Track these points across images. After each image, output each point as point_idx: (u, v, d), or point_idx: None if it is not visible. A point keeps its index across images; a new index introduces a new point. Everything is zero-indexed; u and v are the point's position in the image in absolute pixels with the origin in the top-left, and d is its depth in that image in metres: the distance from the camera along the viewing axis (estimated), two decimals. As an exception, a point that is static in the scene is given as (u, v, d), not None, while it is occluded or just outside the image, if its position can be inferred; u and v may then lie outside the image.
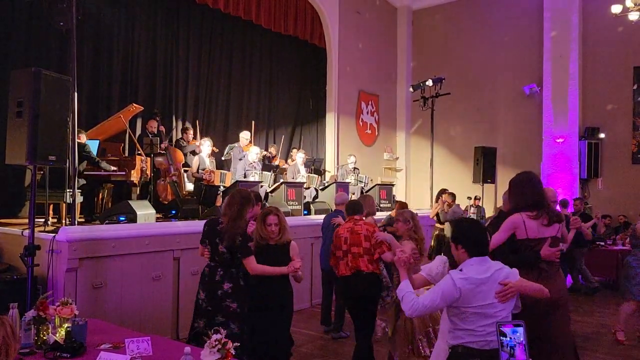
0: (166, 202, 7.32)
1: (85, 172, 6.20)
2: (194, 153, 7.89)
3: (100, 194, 6.80)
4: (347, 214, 4.44)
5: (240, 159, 7.92)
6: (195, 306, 3.58)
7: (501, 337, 2.20)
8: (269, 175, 8.17)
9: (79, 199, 5.68)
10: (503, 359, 2.17)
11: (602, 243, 8.69)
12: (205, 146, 7.72)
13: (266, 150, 9.55)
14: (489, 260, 2.51)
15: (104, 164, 6.23)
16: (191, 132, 8.55)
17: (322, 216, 6.15)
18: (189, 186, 7.81)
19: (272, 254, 3.64)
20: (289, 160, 10.17)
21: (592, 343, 5.43)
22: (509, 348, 2.18)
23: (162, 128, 8.04)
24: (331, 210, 5.96)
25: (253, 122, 9.27)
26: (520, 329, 2.21)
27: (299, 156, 9.11)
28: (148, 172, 6.81)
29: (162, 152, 7.47)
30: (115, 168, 6.41)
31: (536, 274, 3.10)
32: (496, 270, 2.48)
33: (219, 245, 3.48)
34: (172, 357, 2.42)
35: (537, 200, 3.24)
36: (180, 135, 8.81)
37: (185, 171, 7.98)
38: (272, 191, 7.98)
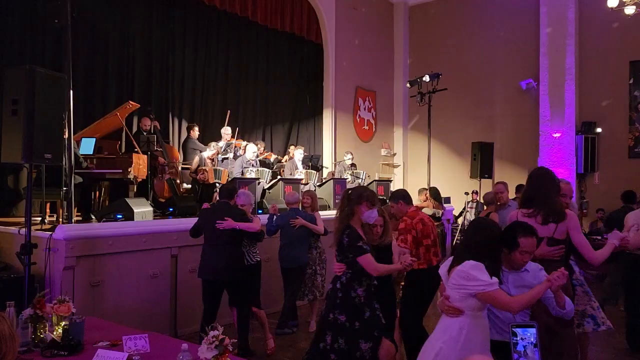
0: (163, 200, 7.32)
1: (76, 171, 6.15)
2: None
3: (98, 192, 6.78)
4: (407, 202, 4.34)
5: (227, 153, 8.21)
6: None
7: (513, 338, 2.19)
8: (266, 172, 8.17)
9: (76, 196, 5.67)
10: None
11: (599, 237, 8.75)
12: (208, 150, 7.82)
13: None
14: None
15: (84, 164, 6.12)
16: (197, 129, 8.61)
17: (320, 213, 6.14)
18: (187, 184, 7.84)
19: (374, 256, 3.40)
20: (286, 157, 10.16)
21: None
22: (520, 349, 2.17)
23: (157, 124, 8.03)
24: (288, 209, 5.88)
25: (228, 111, 9.05)
26: (532, 330, 2.19)
27: (297, 152, 9.11)
28: (145, 169, 6.80)
29: (159, 149, 7.46)
30: (87, 164, 6.19)
31: None
32: None
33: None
34: (170, 354, 2.42)
35: (531, 197, 3.15)
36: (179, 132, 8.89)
37: (186, 169, 8.00)
38: (269, 188, 7.98)
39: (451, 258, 2.72)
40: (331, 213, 7.60)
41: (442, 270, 2.73)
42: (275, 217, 5.53)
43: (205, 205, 5.17)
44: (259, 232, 4.76)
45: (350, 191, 3.47)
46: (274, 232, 5.52)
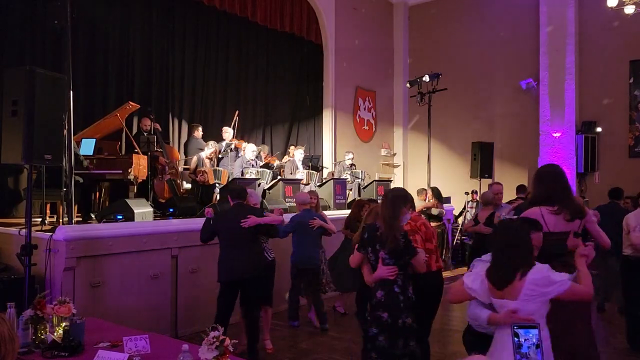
0: (164, 201, 7.32)
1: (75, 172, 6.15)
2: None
3: (98, 193, 6.78)
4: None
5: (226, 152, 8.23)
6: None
7: (515, 339, 2.17)
8: (267, 173, 8.17)
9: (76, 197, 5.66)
10: None
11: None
12: (207, 149, 7.80)
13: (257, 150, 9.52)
14: None
15: (84, 163, 6.14)
16: (200, 129, 8.65)
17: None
18: (187, 184, 7.83)
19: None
20: (286, 157, 10.15)
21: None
22: (525, 350, 2.15)
23: (158, 126, 8.03)
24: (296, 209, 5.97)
25: (237, 112, 9.16)
26: (534, 331, 2.17)
27: (297, 153, 9.10)
28: (145, 170, 6.80)
29: (159, 150, 7.46)
30: (87, 163, 6.23)
31: (560, 266, 2.94)
32: None
33: (379, 252, 3.29)
34: (170, 355, 2.42)
35: (550, 195, 3.19)
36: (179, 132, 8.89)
37: (186, 169, 7.99)
38: (269, 188, 7.98)
39: (478, 271, 2.63)
40: (332, 213, 7.60)
41: (474, 284, 2.59)
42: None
43: (208, 209, 5.08)
44: (277, 226, 4.82)
45: (392, 193, 3.48)
46: (286, 235, 5.52)
